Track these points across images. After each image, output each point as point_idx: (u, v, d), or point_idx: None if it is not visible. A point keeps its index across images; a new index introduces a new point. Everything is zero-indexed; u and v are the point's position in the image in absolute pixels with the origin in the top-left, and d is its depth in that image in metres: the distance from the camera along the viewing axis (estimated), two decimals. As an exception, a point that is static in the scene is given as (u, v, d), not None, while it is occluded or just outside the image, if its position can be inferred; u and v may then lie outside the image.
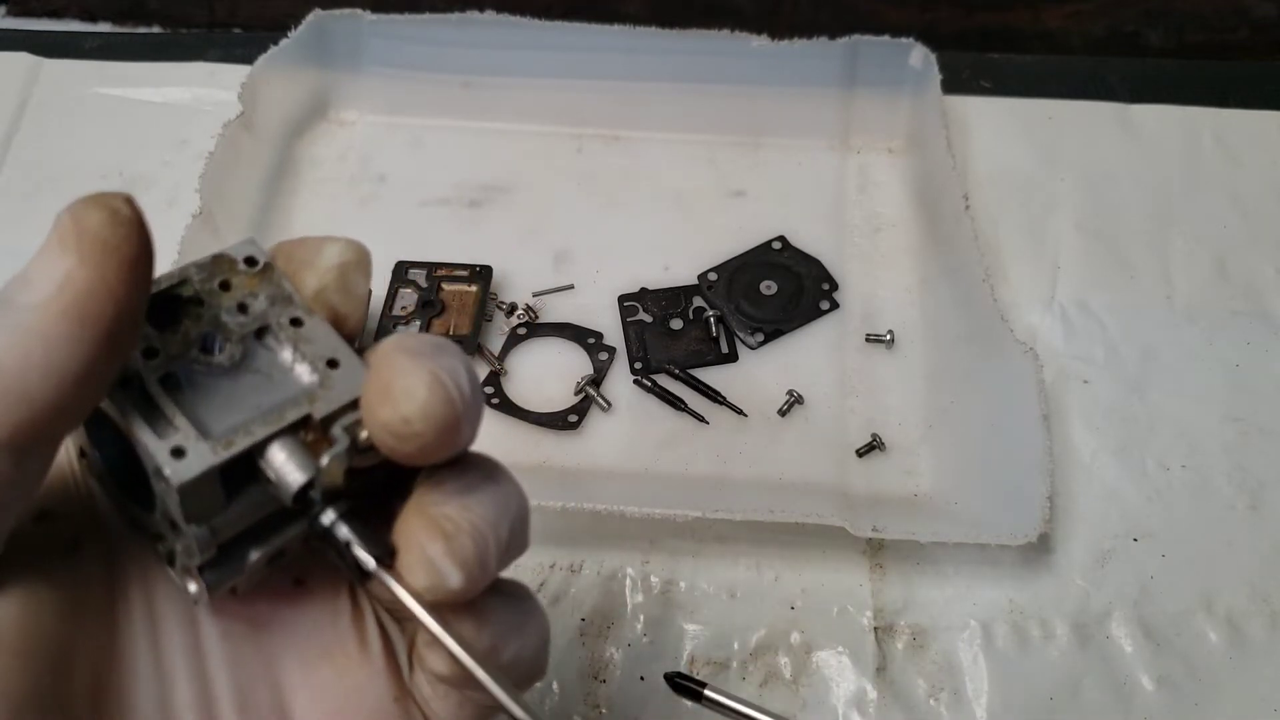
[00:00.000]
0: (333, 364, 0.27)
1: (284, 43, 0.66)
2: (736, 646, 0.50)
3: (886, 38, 0.65)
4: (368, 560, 0.25)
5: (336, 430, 0.26)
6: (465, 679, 0.26)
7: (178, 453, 0.24)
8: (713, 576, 0.52)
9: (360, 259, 0.29)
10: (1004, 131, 0.68)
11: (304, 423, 0.26)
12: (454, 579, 0.25)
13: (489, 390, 0.58)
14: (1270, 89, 0.70)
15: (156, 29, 0.85)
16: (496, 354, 0.60)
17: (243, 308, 0.27)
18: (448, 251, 0.63)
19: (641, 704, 0.49)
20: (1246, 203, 0.64)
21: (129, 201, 0.24)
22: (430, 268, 0.62)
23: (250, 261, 0.27)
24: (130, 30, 0.84)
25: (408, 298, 0.61)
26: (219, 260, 0.27)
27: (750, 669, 0.50)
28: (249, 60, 0.65)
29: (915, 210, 0.65)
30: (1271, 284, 0.61)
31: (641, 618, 0.51)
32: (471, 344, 0.59)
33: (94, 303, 0.22)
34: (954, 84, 0.67)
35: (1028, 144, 0.67)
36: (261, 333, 0.27)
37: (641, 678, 0.49)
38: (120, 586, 0.27)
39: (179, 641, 0.27)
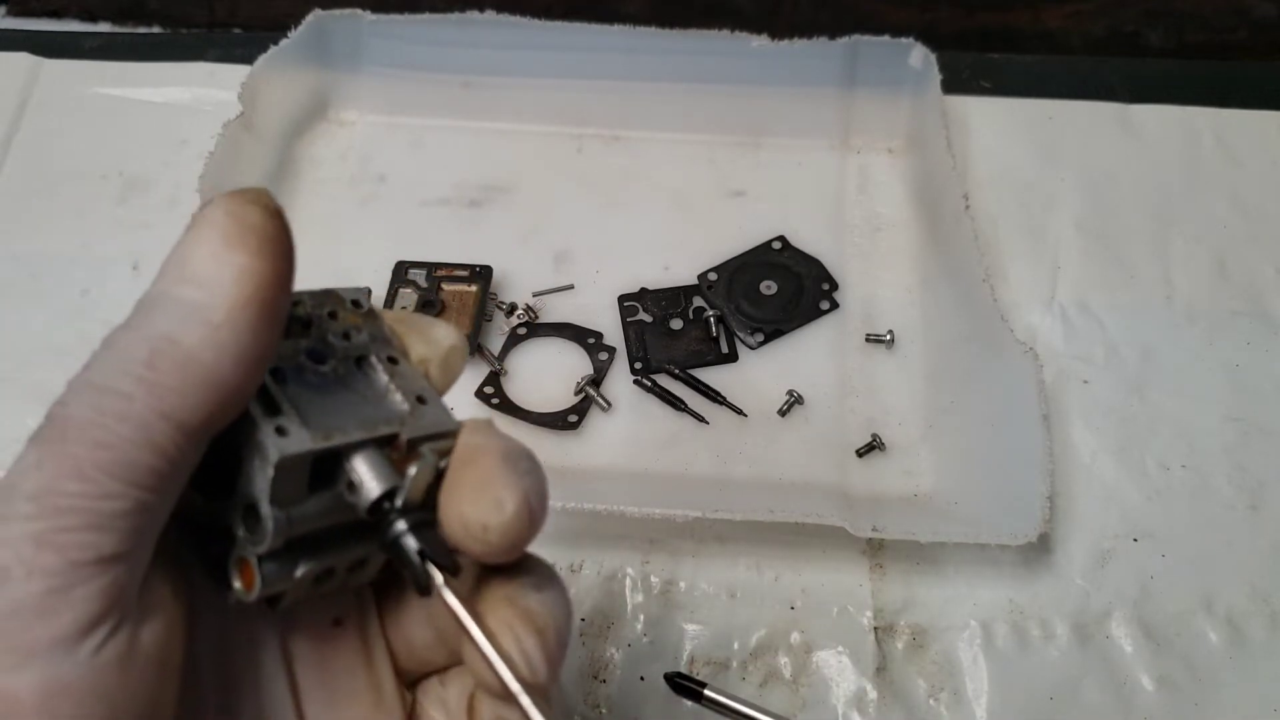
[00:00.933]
0: (421, 400, 0.29)
1: (284, 43, 0.66)
2: (736, 646, 0.50)
3: (886, 38, 0.65)
4: (436, 574, 0.27)
5: (424, 449, 0.28)
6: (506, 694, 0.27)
7: (281, 431, 0.25)
8: (713, 576, 0.52)
9: (464, 347, 0.31)
10: (1004, 131, 0.68)
11: (392, 440, 0.28)
12: (543, 672, 0.27)
13: (489, 390, 0.58)
14: (1270, 89, 0.70)
15: (156, 29, 0.85)
16: (496, 354, 0.60)
17: (346, 336, 0.29)
18: (448, 251, 0.63)
19: (641, 704, 0.49)
20: (1246, 203, 0.64)
21: (270, 195, 0.25)
22: (430, 268, 0.62)
23: (356, 304, 0.30)
24: (130, 30, 0.84)
25: (408, 298, 0.61)
26: (329, 294, 0.30)
27: (750, 669, 0.50)
28: (249, 60, 0.65)
29: (915, 210, 0.65)
30: (1271, 284, 0.61)
31: (641, 618, 0.51)
32: (471, 344, 0.59)
33: (271, 292, 0.24)
34: (954, 84, 0.67)
35: (1028, 144, 0.67)
36: (360, 361, 0.29)
37: (641, 678, 0.49)
38: (196, 608, 0.27)
39: (246, 666, 0.28)
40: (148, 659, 0.23)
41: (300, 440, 0.26)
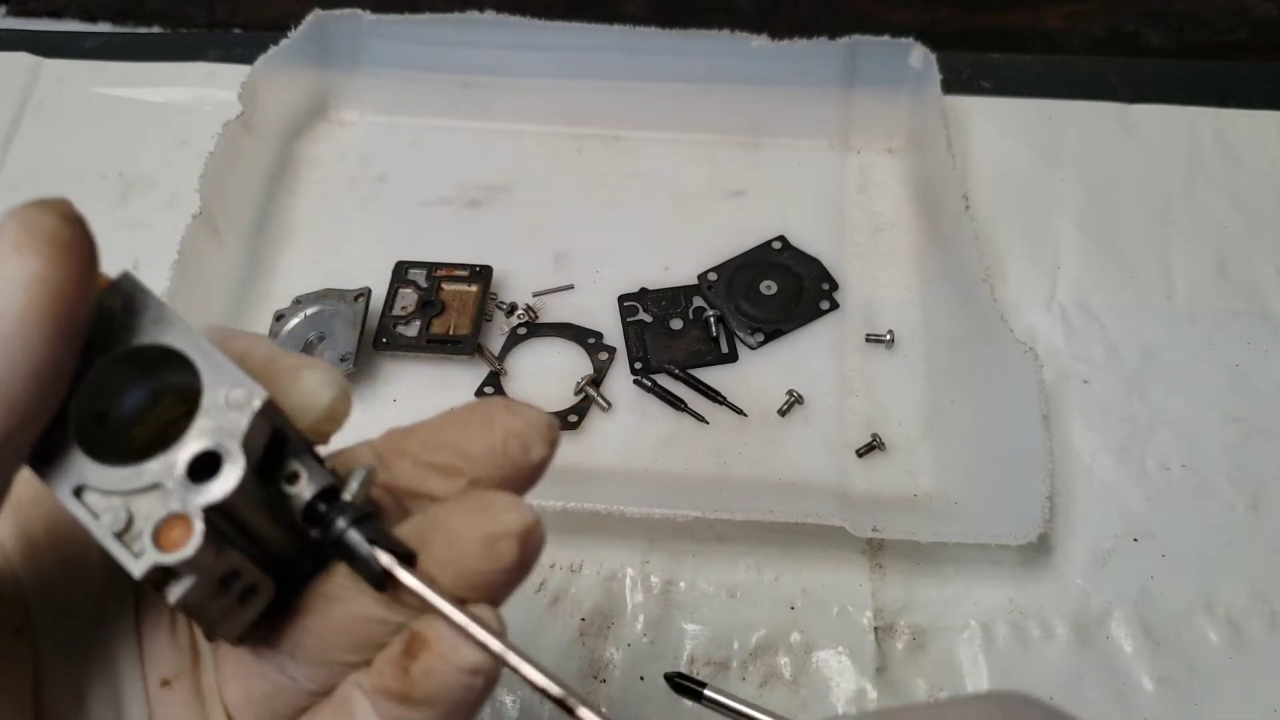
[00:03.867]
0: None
1: (284, 43, 0.66)
2: (736, 646, 0.50)
3: (886, 38, 0.65)
4: (381, 559, 0.26)
5: (355, 468, 0.27)
6: (494, 667, 0.26)
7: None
8: (713, 576, 0.52)
9: (344, 389, 0.27)
10: (1004, 131, 0.68)
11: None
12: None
13: (489, 390, 0.58)
14: (1270, 89, 0.70)
15: (156, 29, 0.85)
16: (496, 354, 0.60)
17: None
18: (448, 251, 0.63)
19: (641, 704, 0.49)
20: (1246, 203, 0.64)
21: (69, 203, 0.24)
22: (430, 268, 0.62)
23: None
24: (130, 30, 0.84)
25: (408, 298, 0.61)
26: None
27: (750, 669, 0.50)
28: (249, 60, 0.65)
29: (915, 210, 0.65)
30: (1271, 284, 0.61)
31: (641, 618, 0.51)
32: (471, 344, 0.59)
33: (66, 301, 0.23)
34: (954, 84, 0.67)
35: (1028, 144, 0.67)
36: None
37: (641, 678, 0.49)
38: (49, 678, 0.27)
39: None
40: None
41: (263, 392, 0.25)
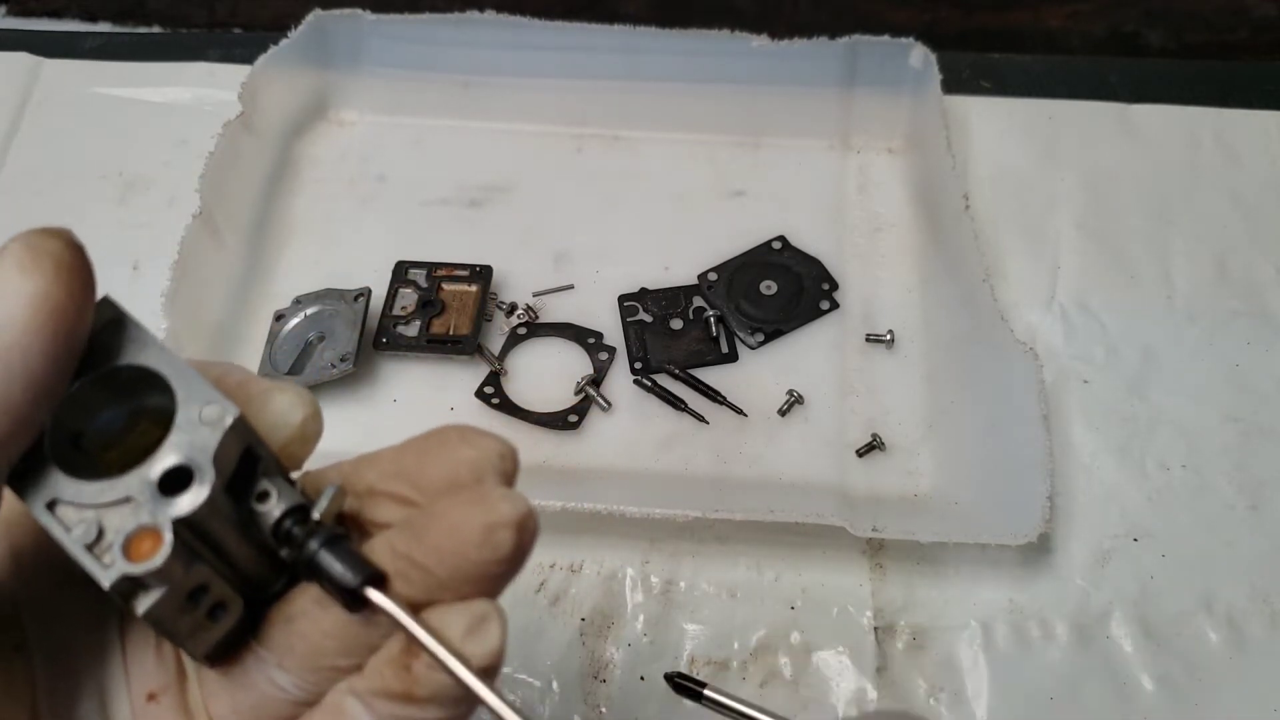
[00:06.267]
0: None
1: (284, 43, 0.66)
2: (736, 646, 0.50)
3: (886, 38, 0.65)
4: (354, 580, 0.26)
5: (325, 486, 0.27)
6: (463, 692, 0.26)
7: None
8: (713, 576, 0.52)
9: (315, 409, 0.28)
10: (1004, 131, 0.68)
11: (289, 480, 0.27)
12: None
13: (489, 390, 0.58)
14: (1270, 89, 0.70)
15: (156, 29, 0.85)
16: (496, 354, 0.60)
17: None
18: (448, 251, 0.63)
19: (641, 704, 0.49)
20: (1246, 203, 0.64)
21: (71, 232, 0.25)
22: (430, 268, 0.62)
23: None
24: (130, 30, 0.84)
25: (408, 297, 0.61)
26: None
27: (750, 669, 0.50)
28: (249, 60, 0.65)
29: (915, 210, 0.65)
30: (1271, 284, 0.61)
31: (641, 618, 0.51)
32: (471, 344, 0.59)
33: (66, 318, 0.24)
34: (954, 84, 0.67)
35: (1028, 144, 0.67)
36: None
37: (641, 678, 0.49)
38: (42, 694, 0.27)
39: None
40: None
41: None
